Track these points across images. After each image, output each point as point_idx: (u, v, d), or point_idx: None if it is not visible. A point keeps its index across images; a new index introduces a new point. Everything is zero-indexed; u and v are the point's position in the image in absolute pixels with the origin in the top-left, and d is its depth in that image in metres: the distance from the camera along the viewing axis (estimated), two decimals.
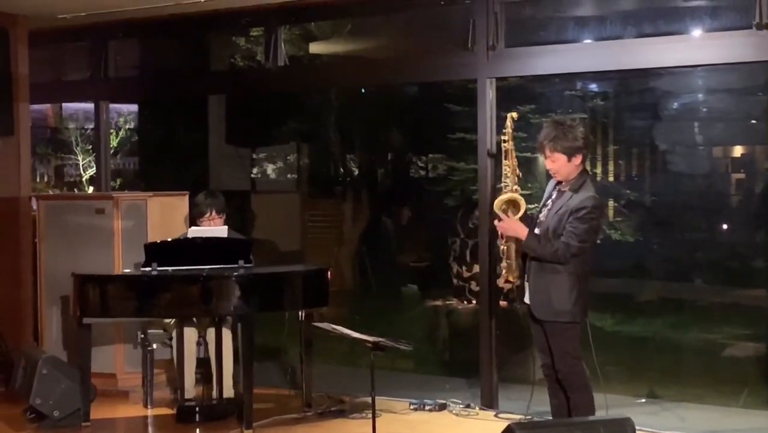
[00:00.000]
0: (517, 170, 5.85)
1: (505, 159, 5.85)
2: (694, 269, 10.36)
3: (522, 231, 5.67)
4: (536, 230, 5.70)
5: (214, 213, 7.36)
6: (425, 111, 11.52)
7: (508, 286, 6.03)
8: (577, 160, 5.65)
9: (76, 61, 10.05)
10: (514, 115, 6.00)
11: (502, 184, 5.86)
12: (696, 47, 6.75)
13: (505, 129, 5.92)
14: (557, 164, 5.67)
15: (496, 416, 6.99)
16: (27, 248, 8.24)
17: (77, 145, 12.85)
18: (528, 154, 8.79)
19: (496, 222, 5.81)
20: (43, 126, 13.09)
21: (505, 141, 5.89)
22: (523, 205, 5.75)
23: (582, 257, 5.58)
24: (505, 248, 5.81)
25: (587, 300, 5.68)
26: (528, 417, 6.55)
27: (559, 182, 5.76)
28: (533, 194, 8.75)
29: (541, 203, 5.90)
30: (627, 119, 11.18)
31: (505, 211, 5.76)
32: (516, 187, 5.81)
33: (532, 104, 9.82)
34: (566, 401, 5.67)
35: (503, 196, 5.79)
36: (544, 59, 7.16)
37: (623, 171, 11.52)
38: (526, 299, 5.75)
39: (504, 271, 5.85)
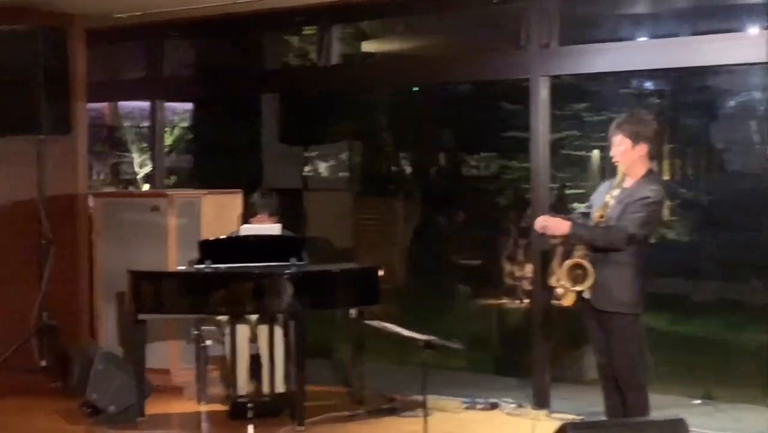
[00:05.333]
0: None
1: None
2: (750, 269, 10.24)
3: (564, 225, 5.58)
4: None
5: (266, 215, 7.40)
6: (478, 109, 11.49)
7: (558, 288, 5.91)
8: (642, 150, 5.56)
9: (132, 60, 10.16)
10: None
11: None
12: (752, 45, 6.65)
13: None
14: (620, 149, 5.59)
15: (548, 415, 6.96)
16: (83, 244, 8.34)
17: (133, 143, 13.01)
18: (582, 153, 8.74)
19: (537, 226, 5.74)
20: (99, 124, 13.24)
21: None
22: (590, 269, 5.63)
23: (642, 248, 5.53)
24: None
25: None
26: (581, 417, 6.51)
27: (617, 182, 5.67)
28: (586, 192, 8.70)
29: (594, 206, 5.74)
30: (682, 118, 11.07)
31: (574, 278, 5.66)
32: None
33: (585, 102, 9.77)
34: (622, 401, 5.63)
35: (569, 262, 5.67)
36: (598, 57, 7.11)
37: (679, 170, 11.43)
38: (586, 294, 5.65)
39: (554, 272, 5.77)
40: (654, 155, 5.69)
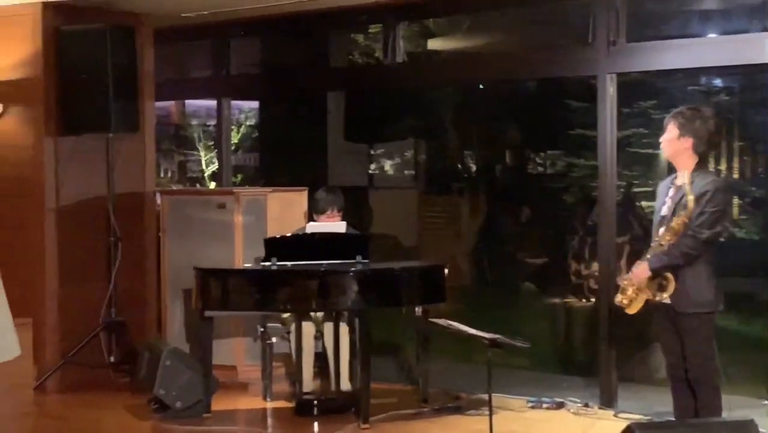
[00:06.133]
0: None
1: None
2: None
3: (642, 269, 5.61)
4: (660, 230, 5.62)
5: (334, 210, 7.42)
6: (544, 107, 11.42)
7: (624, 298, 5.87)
8: (686, 143, 5.59)
9: (199, 58, 10.24)
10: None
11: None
12: None
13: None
14: (666, 137, 5.67)
15: (615, 415, 6.89)
16: (151, 241, 8.42)
17: (199, 141, 13.11)
18: (649, 151, 8.66)
19: (629, 286, 5.73)
20: (167, 123, 13.38)
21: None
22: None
23: (716, 246, 5.51)
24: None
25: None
26: (648, 417, 6.45)
27: (674, 179, 5.68)
28: (653, 191, 8.61)
29: (659, 194, 5.81)
30: (752, 115, 10.90)
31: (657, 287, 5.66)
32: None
33: (653, 100, 9.66)
34: (693, 401, 5.57)
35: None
36: (667, 54, 7.03)
37: (748, 168, 11.25)
38: (659, 297, 5.63)
39: (624, 293, 5.77)
40: (702, 152, 5.64)
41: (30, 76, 7.79)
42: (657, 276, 5.57)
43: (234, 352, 7.90)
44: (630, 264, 5.90)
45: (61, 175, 7.86)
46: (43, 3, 7.69)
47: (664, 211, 5.67)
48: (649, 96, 9.60)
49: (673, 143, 5.64)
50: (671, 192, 5.67)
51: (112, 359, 7.97)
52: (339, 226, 7.29)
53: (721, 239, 5.70)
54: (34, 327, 7.15)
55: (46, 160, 7.78)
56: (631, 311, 5.71)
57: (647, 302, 5.66)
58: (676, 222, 5.50)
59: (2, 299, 2.86)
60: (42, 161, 7.77)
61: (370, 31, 10.85)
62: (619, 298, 5.76)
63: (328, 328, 7.20)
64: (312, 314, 7.16)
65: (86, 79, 7.62)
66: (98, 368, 7.83)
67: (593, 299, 10.14)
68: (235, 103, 10.69)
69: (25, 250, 7.71)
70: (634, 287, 5.66)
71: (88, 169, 8.01)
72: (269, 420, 7.21)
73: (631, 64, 7.22)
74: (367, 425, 6.57)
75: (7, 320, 2.87)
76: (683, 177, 5.54)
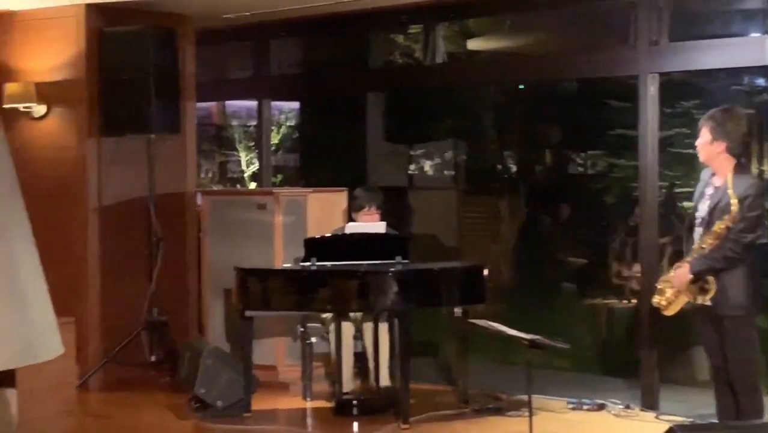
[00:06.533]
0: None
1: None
2: None
3: (683, 273, 5.58)
4: (698, 230, 5.59)
5: (373, 208, 7.42)
6: (584, 107, 11.37)
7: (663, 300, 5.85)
8: (719, 147, 5.57)
9: (240, 59, 10.28)
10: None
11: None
12: None
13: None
14: (700, 141, 5.67)
15: (656, 417, 6.84)
16: (192, 241, 8.46)
17: (240, 142, 13.17)
18: (691, 151, 8.58)
19: (672, 289, 5.71)
20: (208, 124, 13.44)
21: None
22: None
23: (756, 249, 5.48)
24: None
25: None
26: (690, 420, 6.40)
27: (711, 177, 5.67)
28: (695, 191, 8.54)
29: (697, 194, 5.78)
30: None
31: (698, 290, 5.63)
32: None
33: (696, 99, 9.59)
34: (734, 403, 5.53)
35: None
36: (709, 54, 6.98)
37: None
38: (700, 300, 5.60)
39: (662, 294, 5.75)
40: (739, 154, 5.61)
41: (73, 77, 7.86)
42: (698, 280, 5.53)
43: (274, 352, 7.92)
44: (672, 265, 5.88)
45: (104, 176, 7.92)
46: (87, 5, 7.76)
47: (702, 210, 5.64)
48: (691, 96, 9.53)
49: (707, 147, 5.63)
50: (709, 191, 5.64)
51: (153, 358, 8.02)
52: (378, 226, 7.29)
53: (763, 241, 5.66)
54: (77, 326, 7.21)
55: (89, 160, 7.85)
56: (670, 312, 5.70)
57: (686, 303, 5.64)
58: (719, 226, 5.46)
59: (46, 298, 2.88)
60: (84, 162, 7.84)
61: (410, 31, 10.84)
62: (656, 299, 5.74)
63: (368, 328, 7.20)
64: (351, 314, 7.16)
65: (128, 80, 7.68)
66: (140, 367, 7.88)
67: (634, 300, 10.08)
68: (275, 103, 10.74)
69: (68, 249, 7.77)
70: (673, 290, 5.64)
71: (129, 169, 8.07)
72: (309, 420, 7.23)
73: (672, 63, 7.17)
74: (406, 426, 6.56)
75: (51, 318, 2.88)
76: (724, 180, 5.50)
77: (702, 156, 5.70)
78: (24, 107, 7.95)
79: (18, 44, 8.08)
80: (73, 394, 7.29)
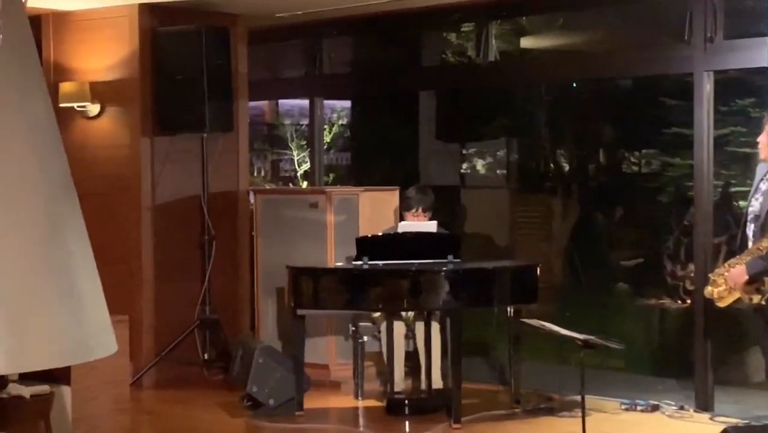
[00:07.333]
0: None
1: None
2: None
3: (739, 273, 5.51)
4: (750, 227, 5.54)
5: (419, 210, 7.41)
6: (639, 105, 11.26)
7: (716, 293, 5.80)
8: None
9: (292, 58, 10.31)
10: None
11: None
12: None
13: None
14: (763, 138, 5.67)
15: (711, 419, 6.77)
16: (245, 240, 8.50)
17: (292, 140, 13.19)
18: (747, 150, 8.48)
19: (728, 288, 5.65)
20: (260, 122, 13.49)
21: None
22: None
23: None
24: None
25: None
26: (745, 421, 6.32)
27: (766, 174, 5.63)
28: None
29: (753, 189, 5.74)
30: None
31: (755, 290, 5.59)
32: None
33: (752, 98, 9.46)
34: None
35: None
36: (764, 51, 6.88)
37: None
38: (755, 300, 5.56)
39: (715, 285, 5.70)
40: None
41: (127, 77, 7.93)
42: (755, 281, 5.47)
43: (326, 350, 7.93)
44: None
45: (157, 174, 7.99)
46: (140, 4, 7.83)
47: (755, 206, 5.60)
48: (746, 94, 9.40)
49: None
50: (763, 186, 5.59)
51: (205, 356, 8.08)
52: (430, 225, 7.28)
53: None
54: (131, 324, 7.27)
55: (143, 159, 7.92)
56: (722, 304, 5.68)
57: (738, 300, 5.60)
58: None
59: (100, 297, 2.90)
60: (138, 160, 7.91)
61: (462, 29, 10.80)
62: (709, 290, 5.69)
63: (419, 327, 7.20)
64: (403, 313, 7.16)
65: (182, 79, 7.74)
66: (192, 365, 7.94)
67: (689, 301, 9.98)
68: (327, 102, 10.75)
69: (122, 247, 7.85)
70: (727, 285, 5.59)
71: (183, 168, 8.13)
72: (360, 419, 7.23)
73: (728, 61, 7.09)
74: (458, 425, 6.55)
75: (105, 316, 2.91)
76: None
77: (763, 154, 5.68)
78: (78, 106, 8.04)
79: (72, 44, 8.17)
80: (127, 391, 7.35)
